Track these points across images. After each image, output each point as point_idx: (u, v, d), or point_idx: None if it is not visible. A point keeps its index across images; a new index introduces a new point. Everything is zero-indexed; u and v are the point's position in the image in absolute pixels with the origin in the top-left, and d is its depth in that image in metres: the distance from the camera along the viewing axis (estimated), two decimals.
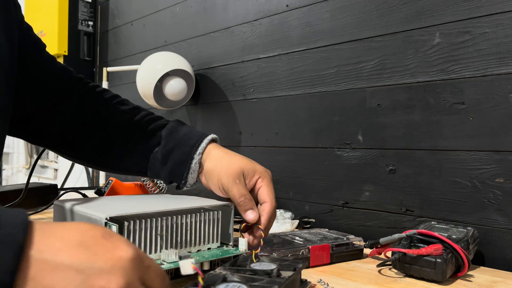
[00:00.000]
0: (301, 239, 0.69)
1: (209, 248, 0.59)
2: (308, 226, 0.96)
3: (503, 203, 0.72)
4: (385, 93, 0.88)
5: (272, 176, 0.64)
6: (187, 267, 0.42)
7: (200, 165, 0.65)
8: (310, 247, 0.64)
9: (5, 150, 2.93)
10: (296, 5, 1.05)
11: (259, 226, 0.59)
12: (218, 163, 0.63)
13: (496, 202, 0.72)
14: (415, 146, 0.83)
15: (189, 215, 0.57)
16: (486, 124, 0.74)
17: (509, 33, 0.72)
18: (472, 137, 0.75)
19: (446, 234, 0.64)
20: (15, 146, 2.86)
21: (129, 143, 0.70)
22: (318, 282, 0.57)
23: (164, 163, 0.67)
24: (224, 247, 0.60)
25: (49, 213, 1.02)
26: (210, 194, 0.67)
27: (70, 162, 1.92)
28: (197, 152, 0.65)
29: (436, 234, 0.61)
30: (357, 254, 0.70)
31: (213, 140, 0.68)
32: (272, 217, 0.61)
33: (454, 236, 0.64)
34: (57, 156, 2.32)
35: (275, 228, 0.88)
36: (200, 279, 0.41)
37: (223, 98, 1.26)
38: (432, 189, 0.80)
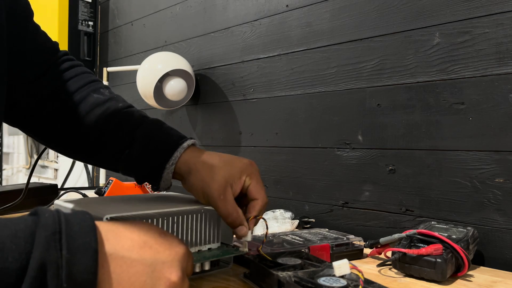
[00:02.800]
0: (301, 239, 0.69)
1: (209, 248, 0.59)
2: (308, 226, 0.97)
3: (503, 203, 0.72)
4: (385, 93, 0.88)
5: (258, 169, 0.60)
6: (344, 268, 0.45)
7: (176, 172, 0.61)
8: (310, 247, 0.64)
9: (5, 150, 2.93)
10: (296, 5, 1.05)
11: (251, 218, 0.57)
12: (199, 177, 0.58)
13: (496, 202, 0.72)
14: (415, 146, 0.83)
15: (190, 215, 0.57)
16: (485, 124, 0.74)
17: (508, 33, 0.72)
18: (472, 137, 0.75)
19: (446, 234, 0.64)
20: (15, 146, 2.86)
21: (102, 138, 0.64)
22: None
23: (136, 167, 0.63)
24: (225, 247, 0.60)
25: None
26: None
27: (70, 162, 1.93)
28: (170, 163, 0.60)
29: (436, 234, 0.61)
30: (357, 254, 0.70)
31: (191, 145, 0.63)
32: (262, 212, 0.59)
33: (454, 236, 0.64)
34: (57, 156, 2.32)
35: (275, 228, 0.88)
36: (361, 276, 0.43)
37: (223, 98, 1.26)
38: (432, 189, 0.80)
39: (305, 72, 1.03)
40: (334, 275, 0.47)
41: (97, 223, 0.37)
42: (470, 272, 0.65)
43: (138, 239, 0.38)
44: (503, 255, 0.72)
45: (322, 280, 0.46)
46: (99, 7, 1.90)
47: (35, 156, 2.52)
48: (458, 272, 0.61)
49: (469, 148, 0.76)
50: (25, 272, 0.32)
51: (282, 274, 0.48)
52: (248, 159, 0.61)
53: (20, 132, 2.47)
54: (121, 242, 0.37)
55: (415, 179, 0.83)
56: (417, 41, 0.83)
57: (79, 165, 1.92)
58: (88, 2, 1.86)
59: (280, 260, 0.55)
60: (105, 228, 0.37)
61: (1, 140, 2.86)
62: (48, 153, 2.39)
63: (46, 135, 0.67)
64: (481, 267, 0.69)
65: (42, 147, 2.45)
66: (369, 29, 0.91)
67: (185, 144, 0.61)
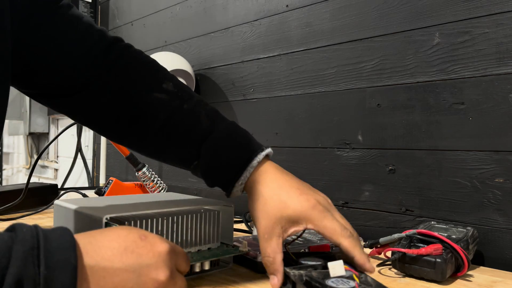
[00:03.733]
0: (301, 239, 0.69)
1: (209, 248, 0.59)
2: None
3: (502, 203, 0.72)
4: (385, 93, 0.88)
5: (329, 207, 0.53)
6: (338, 269, 0.45)
7: (245, 188, 0.57)
8: (310, 247, 0.64)
9: (5, 150, 2.93)
10: (296, 5, 1.05)
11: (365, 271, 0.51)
12: (256, 204, 0.54)
13: (496, 202, 0.73)
14: (414, 146, 0.83)
15: (189, 215, 0.57)
16: (485, 124, 0.74)
17: (508, 33, 0.72)
18: (472, 137, 0.75)
19: (445, 234, 0.64)
20: (15, 146, 2.86)
21: (166, 149, 0.61)
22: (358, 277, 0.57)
23: (205, 179, 0.59)
24: (225, 247, 0.60)
25: (49, 213, 1.02)
26: (210, 194, 0.67)
27: (70, 162, 1.93)
28: (239, 182, 0.56)
29: (435, 234, 0.61)
30: None
31: (265, 158, 0.57)
32: (359, 248, 0.51)
33: (453, 236, 0.64)
34: (57, 156, 2.33)
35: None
36: (356, 278, 0.43)
37: (223, 98, 1.26)
38: (431, 189, 0.80)
39: (305, 72, 1.03)
40: (345, 277, 0.46)
41: (76, 236, 0.36)
42: (470, 272, 0.65)
43: (118, 247, 0.37)
44: (503, 255, 0.72)
45: (331, 282, 0.45)
46: (99, 7, 1.90)
47: (35, 156, 2.52)
48: (458, 272, 0.61)
49: (469, 148, 0.76)
50: None
51: (293, 272, 0.48)
52: (323, 194, 0.54)
53: (20, 131, 2.46)
54: (101, 253, 0.36)
55: (415, 179, 0.83)
56: (417, 41, 0.83)
57: (79, 165, 1.92)
58: (88, 2, 1.86)
59: (303, 260, 0.53)
60: (83, 241, 0.36)
61: (1, 140, 2.86)
62: (48, 153, 2.39)
63: (110, 134, 0.64)
64: (481, 267, 0.69)
65: (42, 147, 2.45)
66: (369, 29, 0.91)
67: (254, 162, 0.55)
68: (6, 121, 2.73)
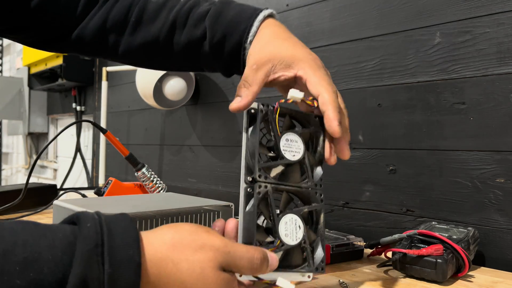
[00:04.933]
0: None
1: None
2: None
3: (503, 203, 0.72)
4: (385, 93, 0.87)
5: (320, 64, 0.51)
6: (296, 95, 0.46)
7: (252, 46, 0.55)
8: None
9: (4, 150, 2.92)
10: (296, 4, 1.05)
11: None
12: (256, 47, 0.52)
13: (497, 202, 0.72)
14: (415, 146, 0.83)
15: (189, 215, 0.57)
16: (486, 124, 0.74)
17: (509, 32, 0.71)
18: (473, 137, 0.75)
19: (446, 235, 0.64)
20: (15, 146, 2.86)
21: (172, 41, 0.60)
22: (340, 284, 0.57)
23: (217, 58, 0.57)
24: None
25: (48, 213, 1.01)
26: (210, 194, 0.67)
27: (69, 162, 1.93)
28: (248, 41, 0.53)
29: (436, 234, 0.61)
30: (358, 255, 0.70)
31: (269, 16, 0.55)
32: (336, 108, 0.47)
33: (454, 237, 0.64)
34: (57, 156, 2.32)
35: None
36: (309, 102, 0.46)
37: (223, 98, 1.26)
38: (432, 189, 0.80)
39: None
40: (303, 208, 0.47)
41: (143, 264, 0.35)
42: (470, 273, 0.65)
43: (168, 241, 0.37)
44: (503, 256, 0.71)
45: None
46: None
47: (34, 156, 2.52)
48: (458, 272, 0.60)
49: (470, 148, 0.75)
50: (62, 287, 0.30)
51: (261, 186, 0.45)
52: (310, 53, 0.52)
53: (19, 131, 2.46)
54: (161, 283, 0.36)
55: (416, 179, 0.82)
56: (417, 41, 0.83)
57: (79, 165, 1.91)
58: None
59: (283, 143, 0.47)
60: (151, 272, 0.35)
61: (0, 140, 2.85)
62: (47, 153, 2.39)
63: (119, 55, 0.64)
64: (482, 268, 0.69)
65: (41, 147, 2.45)
66: (369, 28, 0.90)
67: (261, 16, 0.54)
68: (5, 121, 2.73)
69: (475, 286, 0.59)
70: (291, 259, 0.44)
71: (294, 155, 0.47)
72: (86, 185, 1.88)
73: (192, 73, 1.30)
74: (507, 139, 0.71)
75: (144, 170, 1.09)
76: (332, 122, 0.46)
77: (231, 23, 0.55)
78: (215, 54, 0.56)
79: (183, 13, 0.59)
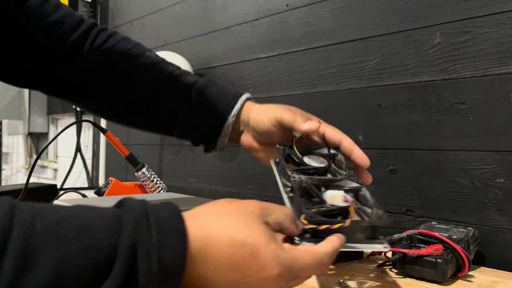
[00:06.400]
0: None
1: None
2: None
3: (503, 203, 0.72)
4: (385, 93, 0.87)
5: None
6: (336, 199, 0.46)
7: (235, 127, 0.63)
8: None
9: (4, 150, 2.92)
10: (296, 4, 1.05)
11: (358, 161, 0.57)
12: (262, 111, 0.61)
13: (497, 202, 0.72)
14: (415, 146, 0.83)
15: None
16: (486, 124, 0.74)
17: (509, 32, 0.71)
18: (473, 137, 0.75)
19: (446, 234, 0.64)
20: (15, 146, 2.86)
21: (155, 100, 0.64)
22: (340, 284, 0.57)
23: (194, 125, 0.63)
24: None
25: None
26: (210, 194, 0.67)
27: (70, 162, 1.92)
28: (232, 114, 0.62)
29: (436, 234, 0.61)
30: (357, 254, 0.70)
31: (248, 99, 0.64)
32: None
33: (454, 236, 0.64)
34: (57, 156, 2.32)
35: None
36: (352, 210, 0.44)
37: None
38: (432, 189, 0.80)
39: (305, 72, 1.03)
40: (345, 189, 0.49)
41: (189, 231, 0.34)
42: (470, 273, 0.65)
43: (226, 261, 0.35)
44: (504, 256, 0.71)
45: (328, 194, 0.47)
46: (99, 6, 1.90)
47: (34, 156, 2.51)
48: (458, 272, 0.60)
49: (470, 148, 0.75)
50: (115, 251, 0.30)
51: (294, 177, 0.49)
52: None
53: (19, 131, 2.46)
54: (207, 264, 0.35)
55: (416, 179, 0.82)
56: (417, 41, 0.83)
57: (79, 165, 1.91)
58: (87, 2, 1.86)
59: (307, 159, 0.56)
60: (196, 245, 0.34)
61: (0, 140, 2.85)
62: (47, 153, 2.39)
63: (96, 105, 0.66)
64: (482, 268, 0.69)
65: (41, 147, 2.45)
66: (369, 28, 0.90)
67: (244, 96, 0.63)
68: (6, 121, 2.73)
69: (475, 286, 0.59)
70: (355, 235, 0.45)
71: (319, 164, 0.54)
72: (86, 185, 1.88)
73: (192, 72, 1.30)
74: (507, 139, 0.71)
75: (144, 170, 1.09)
76: (363, 157, 0.57)
77: (216, 98, 0.62)
78: (194, 121, 0.63)
79: (172, 78, 0.64)
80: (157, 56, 0.67)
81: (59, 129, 2.28)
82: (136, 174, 1.09)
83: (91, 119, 1.39)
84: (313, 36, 1.01)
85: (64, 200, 0.60)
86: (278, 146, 0.59)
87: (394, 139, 0.86)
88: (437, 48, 0.80)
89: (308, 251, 0.38)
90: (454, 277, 0.60)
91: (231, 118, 0.61)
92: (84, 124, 1.96)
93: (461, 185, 0.76)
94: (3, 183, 2.85)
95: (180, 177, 1.37)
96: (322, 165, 0.54)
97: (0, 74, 0.62)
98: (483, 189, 0.74)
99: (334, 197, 0.46)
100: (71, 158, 1.90)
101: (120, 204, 0.35)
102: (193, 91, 0.63)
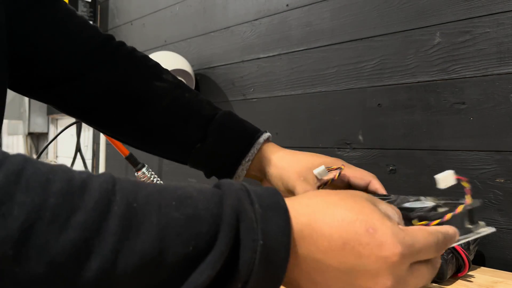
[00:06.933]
0: None
1: None
2: None
3: (503, 203, 0.72)
4: (385, 93, 0.87)
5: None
6: (449, 179, 0.45)
7: (251, 168, 0.60)
8: None
9: (4, 149, 2.92)
10: (296, 4, 1.05)
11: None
12: (279, 165, 0.57)
13: (497, 202, 0.72)
14: (415, 146, 0.83)
15: None
16: (486, 124, 0.74)
17: (509, 32, 0.71)
18: (473, 137, 0.75)
19: None
20: (15, 146, 2.86)
21: (169, 130, 0.61)
22: None
23: (208, 162, 0.61)
24: None
25: None
26: None
27: (69, 162, 1.92)
28: (247, 159, 0.58)
29: None
30: None
31: (265, 141, 0.60)
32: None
33: None
34: (57, 156, 2.32)
35: None
36: (466, 184, 0.43)
37: (223, 98, 1.26)
38: (432, 189, 0.80)
39: (305, 72, 1.03)
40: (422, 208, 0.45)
41: (291, 210, 0.31)
42: (470, 273, 0.65)
43: (337, 239, 0.30)
44: (504, 256, 0.71)
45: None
46: (99, 6, 1.90)
47: (35, 156, 2.51)
48: (458, 272, 0.60)
49: (470, 148, 0.75)
50: (218, 221, 0.28)
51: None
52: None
53: (19, 131, 2.46)
54: (317, 242, 0.30)
55: (416, 179, 0.82)
56: (417, 41, 0.83)
57: (79, 165, 1.91)
58: (87, 2, 1.86)
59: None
60: (300, 221, 0.31)
61: (0, 140, 2.85)
62: (47, 153, 2.39)
63: (108, 125, 0.63)
64: (482, 268, 0.69)
65: (41, 147, 2.45)
66: (369, 28, 0.90)
67: (261, 139, 0.59)
68: (5, 121, 2.73)
69: (475, 286, 0.59)
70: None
71: (426, 204, 0.49)
72: None
73: (191, 73, 1.30)
74: (507, 139, 0.71)
75: (144, 170, 1.09)
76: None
77: (232, 139, 0.59)
78: (208, 158, 0.60)
79: (188, 108, 0.60)
80: (175, 78, 0.64)
81: (59, 129, 2.28)
82: (136, 174, 1.09)
83: None
84: (313, 36, 1.01)
85: None
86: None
87: (394, 139, 0.86)
88: (437, 48, 0.80)
89: (423, 228, 0.33)
90: (454, 277, 0.60)
91: (245, 162, 0.58)
92: (84, 124, 1.95)
93: (461, 185, 0.76)
94: None
95: (180, 177, 1.37)
96: (429, 205, 0.47)
97: (17, 85, 0.60)
98: (483, 189, 0.74)
99: (447, 177, 0.45)
100: (71, 158, 1.90)
101: (217, 185, 0.33)
102: (208, 130, 0.59)
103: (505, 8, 0.72)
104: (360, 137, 0.91)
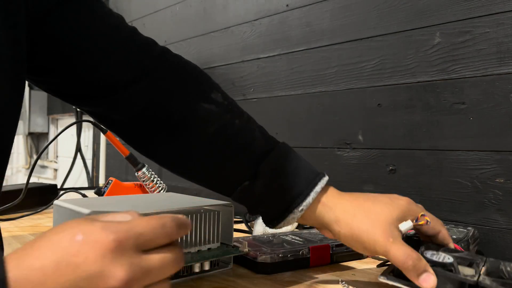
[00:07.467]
0: (301, 239, 0.69)
1: (209, 249, 0.59)
2: (308, 226, 0.96)
3: (503, 203, 0.72)
4: (385, 93, 0.87)
5: (421, 206, 0.56)
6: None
7: (305, 218, 0.53)
8: (310, 247, 0.64)
9: None
10: (296, 4, 1.05)
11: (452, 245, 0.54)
12: (354, 224, 0.50)
13: (497, 202, 0.72)
14: (415, 146, 0.83)
15: (189, 215, 0.57)
16: (486, 124, 0.74)
17: (509, 32, 0.71)
18: (473, 137, 0.75)
19: None
20: (15, 146, 2.86)
21: (214, 161, 0.55)
22: (340, 282, 0.57)
23: (255, 204, 0.55)
24: (225, 247, 0.60)
25: (48, 213, 1.02)
26: (210, 194, 0.67)
27: (70, 162, 1.93)
28: (299, 208, 0.52)
29: None
30: (357, 254, 0.70)
31: (323, 189, 0.54)
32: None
33: (454, 236, 0.64)
34: (57, 156, 2.32)
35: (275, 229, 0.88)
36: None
37: None
38: (432, 189, 0.80)
39: (305, 72, 1.03)
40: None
41: (8, 267, 0.27)
42: None
43: (49, 262, 0.27)
44: (503, 256, 0.71)
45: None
46: None
47: (35, 156, 2.52)
48: None
49: (470, 148, 0.75)
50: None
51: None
52: (402, 196, 0.54)
53: (19, 131, 2.46)
54: (30, 275, 0.27)
55: (416, 179, 0.82)
56: (417, 41, 0.83)
57: (79, 165, 1.92)
58: None
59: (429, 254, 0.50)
60: (12, 258, 0.28)
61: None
62: (47, 153, 2.39)
63: (148, 148, 0.58)
64: None
65: (42, 147, 2.45)
66: (369, 28, 0.90)
67: (318, 188, 0.53)
68: None
69: None
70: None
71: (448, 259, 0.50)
72: (86, 185, 1.88)
73: None
74: (507, 139, 0.71)
75: (144, 170, 1.09)
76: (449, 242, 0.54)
77: (285, 183, 0.52)
78: (257, 200, 0.54)
79: (238, 139, 0.54)
80: (225, 98, 0.56)
81: (59, 129, 2.28)
82: (136, 174, 1.09)
83: (91, 119, 1.39)
84: (313, 36, 1.01)
85: (64, 200, 0.60)
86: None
87: (394, 139, 0.86)
88: (437, 48, 0.80)
89: (148, 216, 0.33)
90: None
91: (297, 211, 0.52)
92: (84, 124, 1.96)
93: (461, 185, 0.76)
94: (3, 183, 2.84)
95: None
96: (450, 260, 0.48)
97: (64, 94, 0.56)
98: (483, 189, 0.74)
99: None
100: (71, 158, 1.90)
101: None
102: (260, 169, 0.53)
103: (505, 8, 0.72)
104: (360, 137, 0.91)
